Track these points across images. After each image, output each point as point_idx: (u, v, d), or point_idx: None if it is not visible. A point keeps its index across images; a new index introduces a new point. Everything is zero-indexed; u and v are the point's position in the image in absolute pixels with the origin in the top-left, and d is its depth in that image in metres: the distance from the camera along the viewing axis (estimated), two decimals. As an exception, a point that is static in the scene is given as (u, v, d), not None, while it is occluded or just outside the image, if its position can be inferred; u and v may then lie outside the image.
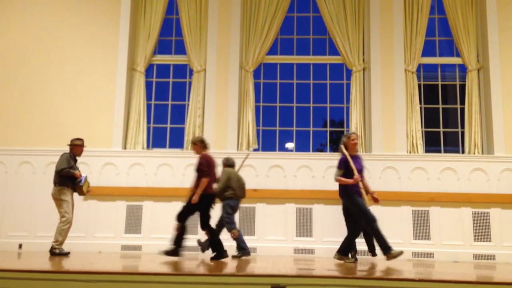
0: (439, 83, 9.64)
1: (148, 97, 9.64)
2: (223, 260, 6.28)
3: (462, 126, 9.33)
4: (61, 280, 3.65)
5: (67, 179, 7.01)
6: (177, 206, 8.66)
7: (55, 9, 9.54)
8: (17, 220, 8.64)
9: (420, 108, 9.34)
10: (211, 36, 9.38)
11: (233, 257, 7.01)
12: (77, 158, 7.32)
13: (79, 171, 7.14)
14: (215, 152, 8.86)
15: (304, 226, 8.60)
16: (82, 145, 7.29)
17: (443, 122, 9.44)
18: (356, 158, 6.34)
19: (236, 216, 8.52)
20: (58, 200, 6.98)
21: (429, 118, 9.47)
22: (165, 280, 3.67)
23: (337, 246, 7.47)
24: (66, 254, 6.83)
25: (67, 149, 7.34)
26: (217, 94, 9.19)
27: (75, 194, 7.15)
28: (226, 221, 7.21)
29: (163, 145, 9.55)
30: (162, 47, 9.85)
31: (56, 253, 6.78)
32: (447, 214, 8.52)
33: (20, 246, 8.54)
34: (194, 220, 6.72)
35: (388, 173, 8.73)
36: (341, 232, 7.48)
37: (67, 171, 6.97)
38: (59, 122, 9.07)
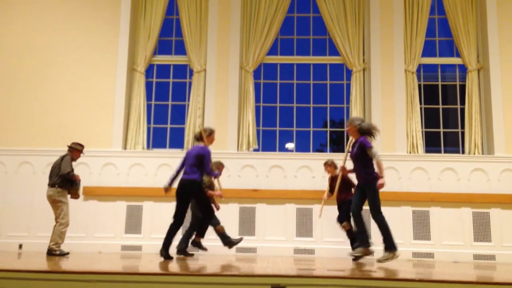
0: (439, 83, 9.63)
1: (148, 98, 9.64)
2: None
3: (462, 126, 9.33)
4: (61, 280, 3.64)
5: (67, 182, 7.01)
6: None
7: (55, 10, 9.54)
8: (17, 220, 8.64)
9: (420, 108, 9.34)
10: (211, 36, 9.37)
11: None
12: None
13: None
14: (215, 153, 8.88)
15: (304, 226, 8.60)
16: (81, 151, 7.30)
17: (443, 122, 9.44)
18: None
19: (237, 217, 8.53)
20: (57, 202, 6.93)
21: (429, 118, 9.46)
22: (165, 280, 3.67)
23: (337, 246, 7.49)
24: (66, 254, 6.82)
25: (66, 150, 7.33)
26: (217, 94, 9.18)
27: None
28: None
29: (163, 145, 9.54)
30: (162, 47, 9.85)
31: (57, 254, 6.77)
32: (447, 214, 8.52)
33: (20, 246, 8.54)
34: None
35: (388, 173, 8.67)
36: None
37: (72, 175, 6.97)
38: (59, 122, 9.07)
